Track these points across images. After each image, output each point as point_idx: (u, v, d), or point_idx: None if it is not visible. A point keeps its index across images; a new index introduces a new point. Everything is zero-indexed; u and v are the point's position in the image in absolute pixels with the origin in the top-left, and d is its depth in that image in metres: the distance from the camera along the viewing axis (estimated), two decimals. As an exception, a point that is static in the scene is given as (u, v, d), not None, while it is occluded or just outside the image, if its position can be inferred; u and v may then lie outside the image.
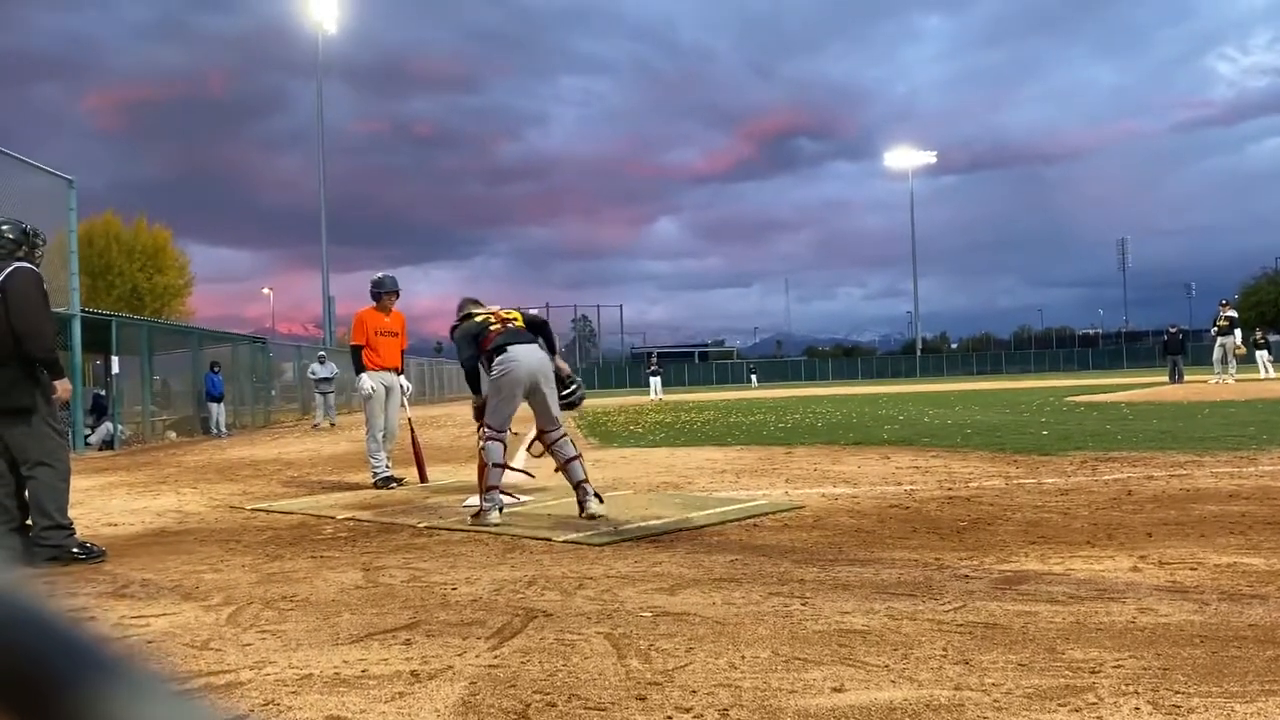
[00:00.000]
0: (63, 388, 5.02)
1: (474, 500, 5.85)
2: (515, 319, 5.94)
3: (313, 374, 23.37)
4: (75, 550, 4.86)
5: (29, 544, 4.87)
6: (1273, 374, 23.84)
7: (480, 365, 5.84)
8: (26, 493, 4.91)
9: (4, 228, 5.07)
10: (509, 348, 5.67)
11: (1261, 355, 26.12)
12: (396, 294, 8.37)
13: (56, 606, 0.42)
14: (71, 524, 4.97)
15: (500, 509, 5.63)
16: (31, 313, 4.82)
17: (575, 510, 5.98)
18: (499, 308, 6.11)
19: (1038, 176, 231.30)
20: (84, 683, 0.40)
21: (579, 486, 5.67)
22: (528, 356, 5.68)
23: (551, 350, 5.91)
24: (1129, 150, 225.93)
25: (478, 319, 5.91)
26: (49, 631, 0.41)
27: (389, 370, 8.24)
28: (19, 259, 4.97)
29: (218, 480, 9.44)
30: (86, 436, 15.25)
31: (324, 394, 22.63)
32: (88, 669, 0.41)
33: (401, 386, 8.38)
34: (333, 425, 21.58)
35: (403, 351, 8.48)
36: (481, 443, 5.78)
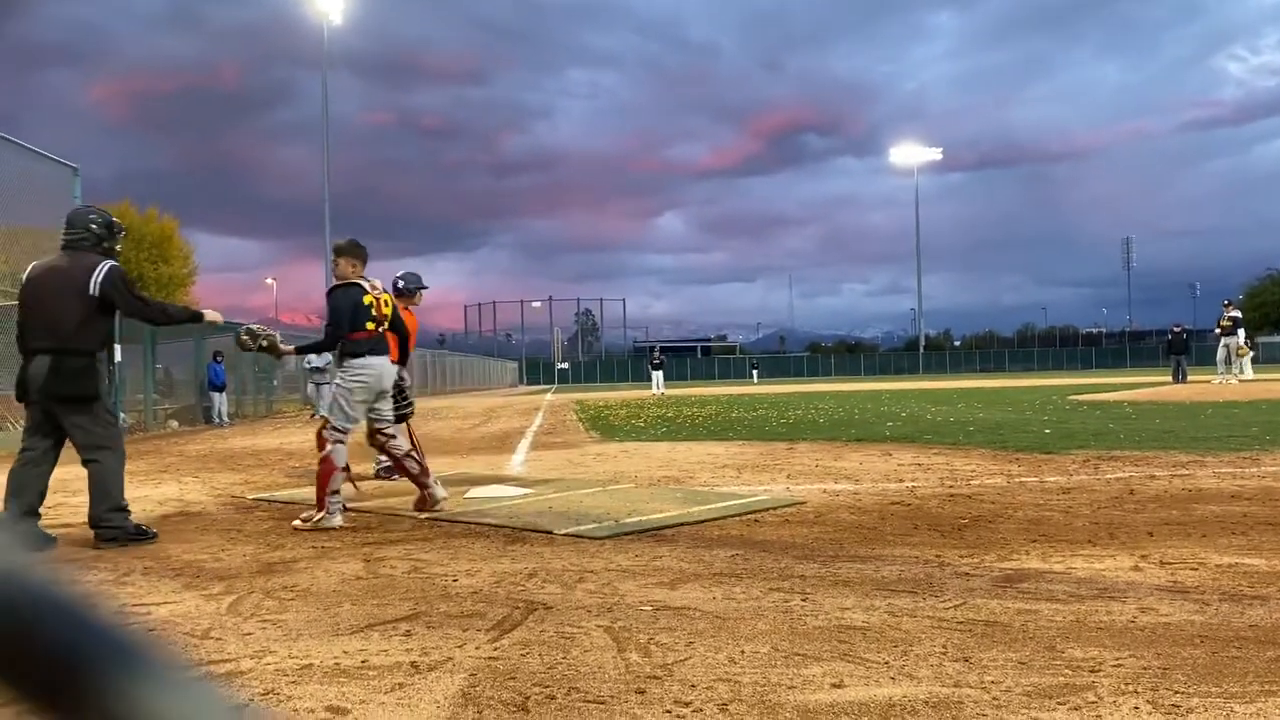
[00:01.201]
0: (211, 314, 5.66)
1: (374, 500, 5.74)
2: (387, 317, 5.96)
3: (308, 363, 23.32)
4: (133, 532, 5.00)
5: (39, 531, 4.96)
6: (1249, 374, 23.69)
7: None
8: (88, 477, 5.03)
9: (91, 217, 5.24)
10: (370, 356, 5.77)
11: (1245, 358, 26.08)
12: (423, 289, 8.36)
13: (71, 591, 0.42)
14: (128, 505, 5.12)
15: (343, 510, 5.61)
16: (138, 307, 5.23)
17: (577, 504, 5.99)
18: (380, 288, 5.99)
19: (1044, 175, 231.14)
20: (99, 667, 0.40)
21: (418, 480, 5.82)
22: (384, 368, 5.86)
23: (404, 359, 6.16)
24: (1136, 150, 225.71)
25: (365, 300, 5.81)
26: (63, 615, 0.41)
27: (393, 364, 8.19)
28: (103, 250, 5.19)
29: (219, 469, 9.46)
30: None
31: (318, 384, 22.59)
32: (102, 653, 0.41)
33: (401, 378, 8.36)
34: (313, 417, 21.43)
35: (406, 352, 8.42)
36: (329, 445, 5.69)
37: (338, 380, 5.84)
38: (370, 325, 5.78)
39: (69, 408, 4.96)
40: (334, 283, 5.87)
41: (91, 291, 4.97)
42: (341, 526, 5.37)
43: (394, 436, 6.01)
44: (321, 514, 5.45)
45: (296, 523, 5.46)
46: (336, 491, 5.55)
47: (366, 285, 5.86)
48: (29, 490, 4.96)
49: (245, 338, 5.76)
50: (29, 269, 5.20)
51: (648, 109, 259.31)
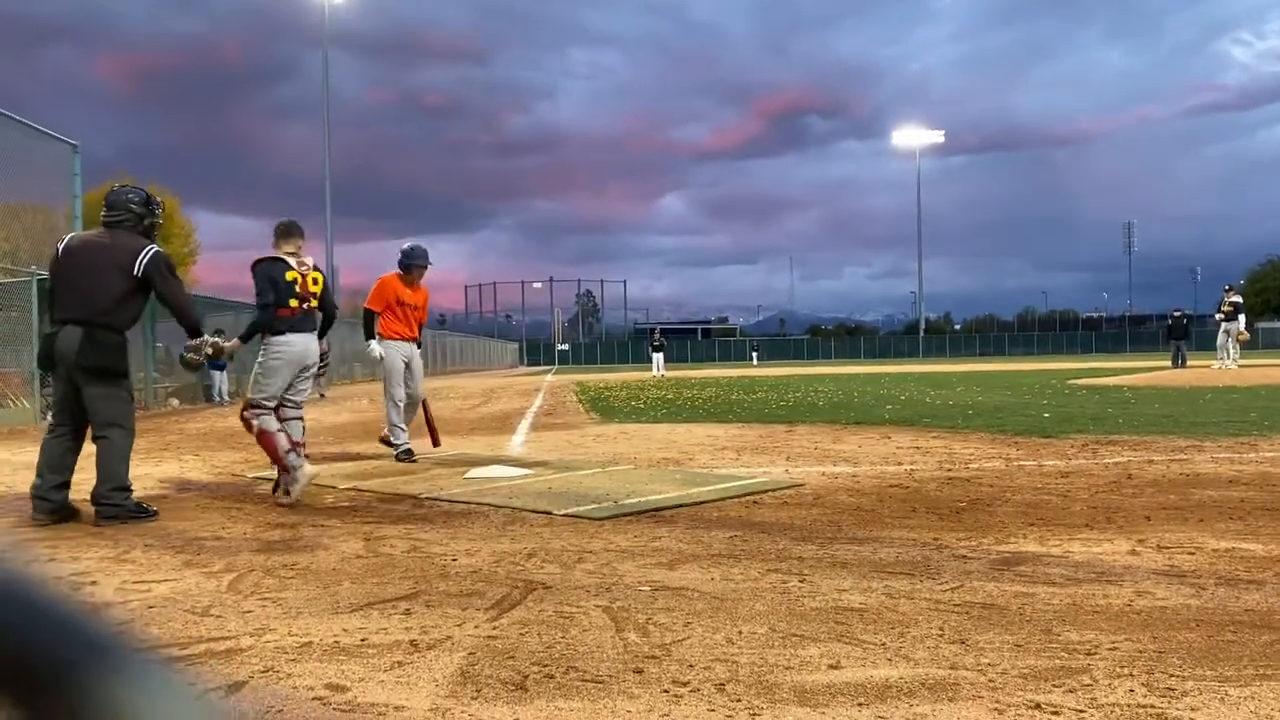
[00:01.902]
0: (208, 343, 5.56)
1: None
2: (314, 295, 5.94)
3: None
4: (134, 509, 5.04)
5: (69, 503, 5.02)
6: (1236, 359, 23.64)
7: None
8: (96, 452, 5.06)
9: (130, 196, 5.24)
10: (290, 335, 5.79)
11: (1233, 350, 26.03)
12: (425, 267, 8.24)
13: (48, 583, 0.42)
14: (131, 485, 5.16)
15: (303, 468, 5.57)
16: (177, 295, 5.30)
17: (576, 484, 6.01)
18: (309, 264, 5.97)
19: (1046, 159, 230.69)
20: (71, 663, 0.40)
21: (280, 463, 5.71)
22: (304, 345, 5.87)
23: (324, 332, 6.18)
24: (1139, 134, 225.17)
25: (288, 276, 5.81)
26: (34, 612, 0.41)
27: (409, 341, 8.06)
28: (144, 229, 5.22)
29: (220, 448, 9.47)
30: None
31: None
32: (73, 649, 0.40)
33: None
34: (321, 398, 21.35)
35: (420, 325, 8.31)
36: (254, 424, 5.67)
37: (259, 357, 5.85)
38: (293, 302, 5.81)
39: (93, 379, 4.99)
40: (258, 257, 5.92)
41: (135, 272, 5.03)
42: (316, 474, 5.41)
43: (297, 417, 5.96)
44: (289, 476, 5.49)
45: (282, 500, 5.50)
46: (291, 450, 5.56)
47: (292, 262, 5.88)
48: (62, 467, 5.05)
49: (190, 356, 5.58)
50: (65, 240, 5.21)
51: (650, 90, 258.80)
